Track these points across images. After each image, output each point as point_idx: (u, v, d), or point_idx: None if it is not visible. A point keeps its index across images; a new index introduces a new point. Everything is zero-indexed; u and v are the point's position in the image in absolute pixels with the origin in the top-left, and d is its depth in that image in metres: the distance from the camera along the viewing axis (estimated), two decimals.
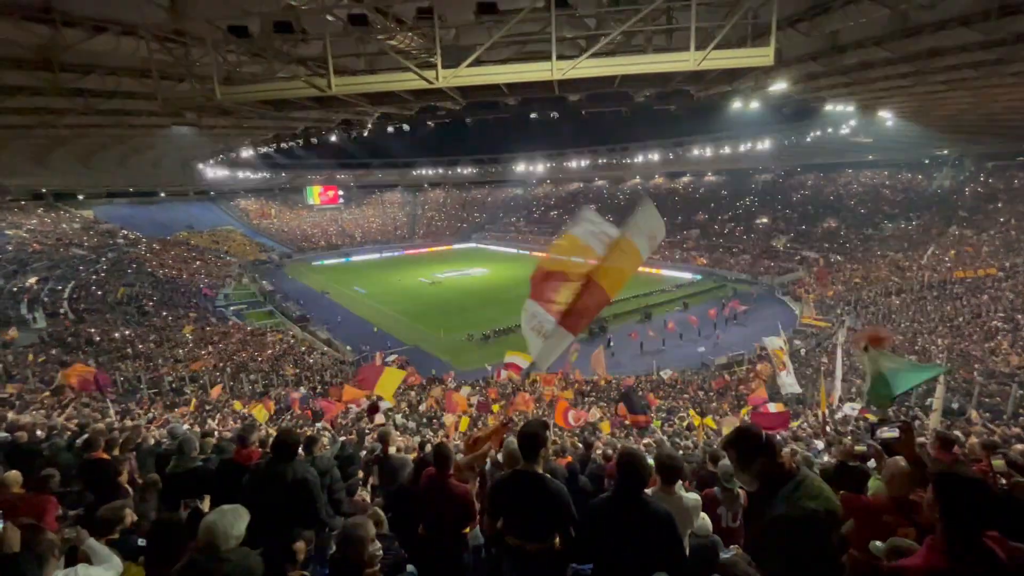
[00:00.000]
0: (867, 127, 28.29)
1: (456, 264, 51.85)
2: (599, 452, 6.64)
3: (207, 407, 15.36)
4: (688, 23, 5.91)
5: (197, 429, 9.73)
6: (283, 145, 25.76)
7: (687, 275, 41.47)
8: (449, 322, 30.97)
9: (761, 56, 6.14)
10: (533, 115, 19.06)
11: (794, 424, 11.62)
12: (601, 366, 18.69)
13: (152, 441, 6.63)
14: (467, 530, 3.44)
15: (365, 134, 20.66)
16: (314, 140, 23.29)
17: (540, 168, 64.43)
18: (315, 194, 68.68)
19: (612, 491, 3.13)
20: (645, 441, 10.75)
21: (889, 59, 11.79)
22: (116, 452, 4.82)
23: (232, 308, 36.60)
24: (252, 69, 7.94)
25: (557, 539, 2.83)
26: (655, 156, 54.44)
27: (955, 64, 12.03)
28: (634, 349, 25.48)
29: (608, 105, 17.85)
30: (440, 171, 69.34)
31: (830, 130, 31.00)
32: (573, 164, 56.70)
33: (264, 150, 29.13)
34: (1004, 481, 3.69)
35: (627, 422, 13.04)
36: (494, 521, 2.91)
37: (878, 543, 2.56)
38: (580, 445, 7.48)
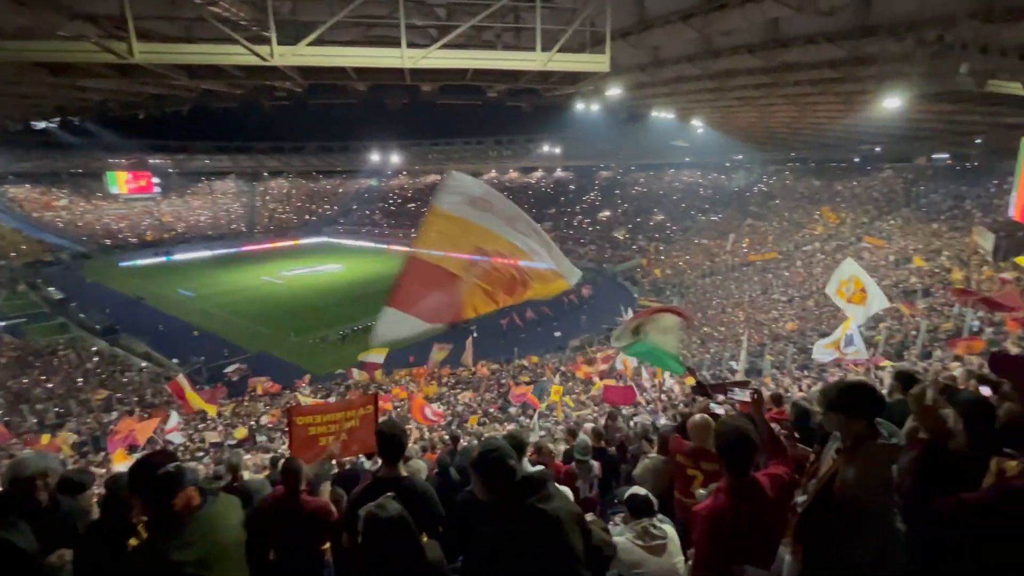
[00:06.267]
0: (685, 132, 32.97)
1: (305, 260, 47.88)
2: (464, 444, 6.72)
3: None
4: (534, 24, 6.18)
5: None
6: (72, 120, 21.06)
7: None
8: (300, 323, 28.56)
9: (598, 62, 6.68)
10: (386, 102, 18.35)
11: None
12: (469, 358, 18.97)
13: None
14: (325, 546, 3.22)
15: (185, 112, 17.81)
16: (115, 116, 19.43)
17: (395, 158, 62.47)
18: (120, 180, 57.20)
19: None
20: (510, 427, 11.19)
21: (698, 76, 13.77)
22: None
23: (3, 324, 28.95)
24: (23, 22, 6.28)
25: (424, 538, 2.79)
26: (508, 151, 56.64)
27: (744, 84, 14.53)
28: (497, 337, 26.30)
29: (461, 98, 18.00)
30: (282, 158, 63.19)
31: (657, 133, 35.49)
32: (429, 155, 56.14)
33: (43, 125, 23.46)
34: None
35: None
36: (353, 536, 2.77)
37: (701, 490, 3.07)
38: (448, 439, 7.50)
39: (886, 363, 11.21)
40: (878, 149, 34.54)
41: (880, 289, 9.07)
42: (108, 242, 51.51)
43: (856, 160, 38.59)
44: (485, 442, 2.15)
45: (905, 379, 4.28)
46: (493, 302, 3.85)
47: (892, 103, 12.32)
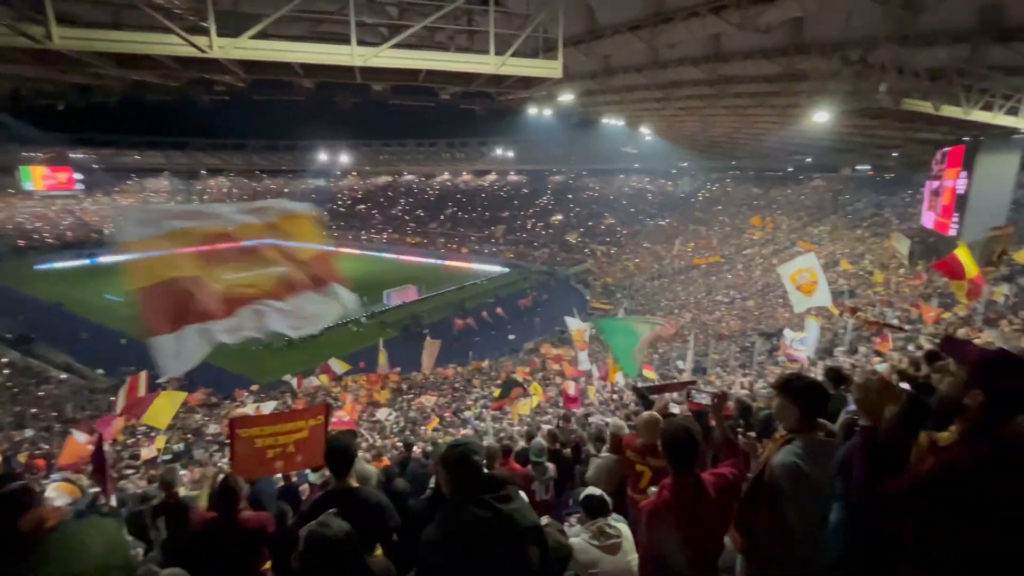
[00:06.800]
0: (634, 139, 34.04)
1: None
2: (419, 451, 6.60)
3: None
4: (488, 27, 6.18)
5: None
6: None
7: (496, 268, 44.01)
8: None
9: (551, 68, 6.77)
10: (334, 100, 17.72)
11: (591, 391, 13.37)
12: (429, 363, 18.59)
13: None
14: (266, 566, 3.07)
15: (112, 104, 16.48)
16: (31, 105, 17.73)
17: (345, 158, 60.74)
18: (36, 176, 52.24)
19: (432, 491, 3.15)
20: (464, 432, 11.09)
21: (646, 85, 14.25)
22: None
23: None
24: None
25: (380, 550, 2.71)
26: (462, 154, 56.42)
27: (688, 94, 15.16)
28: (450, 340, 26.04)
29: (414, 99, 17.70)
30: (222, 155, 60.00)
31: (607, 139, 36.45)
32: (381, 156, 54.98)
33: None
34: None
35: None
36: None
37: (653, 488, 3.14)
38: (401, 446, 7.34)
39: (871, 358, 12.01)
40: (809, 160, 36.98)
41: (828, 290, 9.68)
42: (21, 243, 47.10)
43: (790, 170, 41.13)
44: (452, 440, 2.20)
45: (833, 375, 4.58)
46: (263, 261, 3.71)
47: (821, 117, 13.20)
